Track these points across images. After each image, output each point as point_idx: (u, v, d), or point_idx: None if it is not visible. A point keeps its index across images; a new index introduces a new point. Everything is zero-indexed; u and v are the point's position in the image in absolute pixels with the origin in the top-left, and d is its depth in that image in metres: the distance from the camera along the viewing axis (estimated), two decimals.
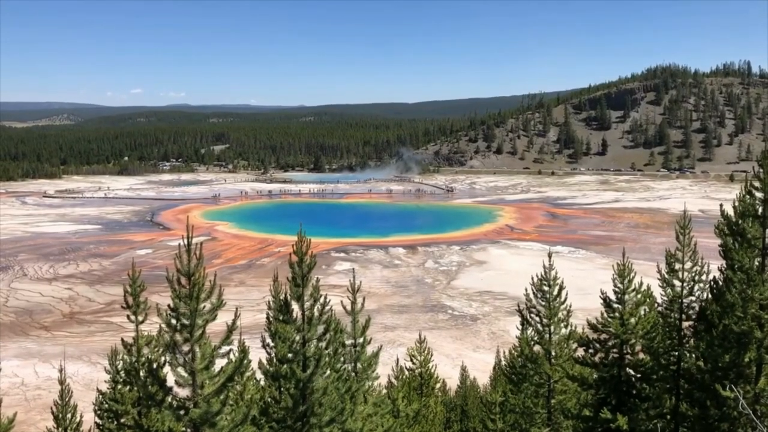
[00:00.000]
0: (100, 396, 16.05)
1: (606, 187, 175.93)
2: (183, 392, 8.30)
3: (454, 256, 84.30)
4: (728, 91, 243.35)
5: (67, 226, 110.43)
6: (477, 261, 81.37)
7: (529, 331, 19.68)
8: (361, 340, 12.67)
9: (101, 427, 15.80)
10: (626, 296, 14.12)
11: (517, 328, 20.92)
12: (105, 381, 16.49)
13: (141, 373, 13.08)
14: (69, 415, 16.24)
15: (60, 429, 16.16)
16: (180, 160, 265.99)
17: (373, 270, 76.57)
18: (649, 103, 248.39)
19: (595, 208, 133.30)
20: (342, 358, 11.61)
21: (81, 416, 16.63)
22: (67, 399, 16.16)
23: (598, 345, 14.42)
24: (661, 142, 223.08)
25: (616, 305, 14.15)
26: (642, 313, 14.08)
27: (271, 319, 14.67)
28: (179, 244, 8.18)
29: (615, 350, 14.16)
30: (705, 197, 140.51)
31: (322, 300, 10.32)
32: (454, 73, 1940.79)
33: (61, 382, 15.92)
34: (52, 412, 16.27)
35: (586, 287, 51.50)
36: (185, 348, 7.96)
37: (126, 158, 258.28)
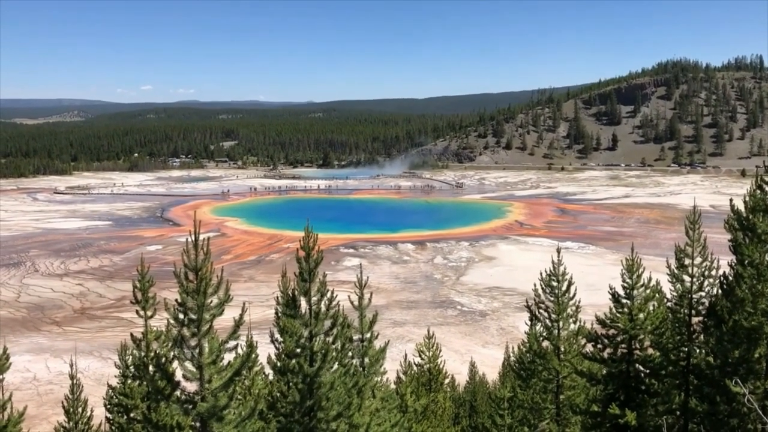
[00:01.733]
0: (110, 391, 16.17)
1: (616, 182, 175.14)
2: (191, 386, 8.35)
3: (463, 252, 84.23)
4: (740, 85, 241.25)
5: (78, 222, 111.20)
6: (486, 257, 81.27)
7: (538, 327, 19.62)
8: (368, 335, 12.69)
9: (111, 422, 15.92)
10: (635, 291, 14.06)
11: (526, 323, 20.87)
12: (115, 376, 16.61)
13: (150, 368, 13.16)
14: (80, 410, 16.35)
15: (71, 423, 16.28)
16: (190, 156, 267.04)
17: (382, 266, 76.64)
18: (659, 98, 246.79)
19: (605, 203, 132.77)
20: (350, 353, 11.64)
21: (92, 411, 16.75)
22: (78, 393, 16.27)
23: (606, 340, 14.37)
24: (671, 137, 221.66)
25: (624, 300, 14.09)
26: (651, 308, 14.01)
27: (279, 314, 14.74)
28: (187, 240, 8.23)
29: (623, 345, 14.10)
30: (716, 192, 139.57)
31: (329, 295, 10.35)
32: (463, 68, 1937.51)
33: (72, 376, 16.03)
34: (63, 407, 16.40)
35: (595, 283, 51.27)
36: (193, 342, 8.00)
37: (136, 154, 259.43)
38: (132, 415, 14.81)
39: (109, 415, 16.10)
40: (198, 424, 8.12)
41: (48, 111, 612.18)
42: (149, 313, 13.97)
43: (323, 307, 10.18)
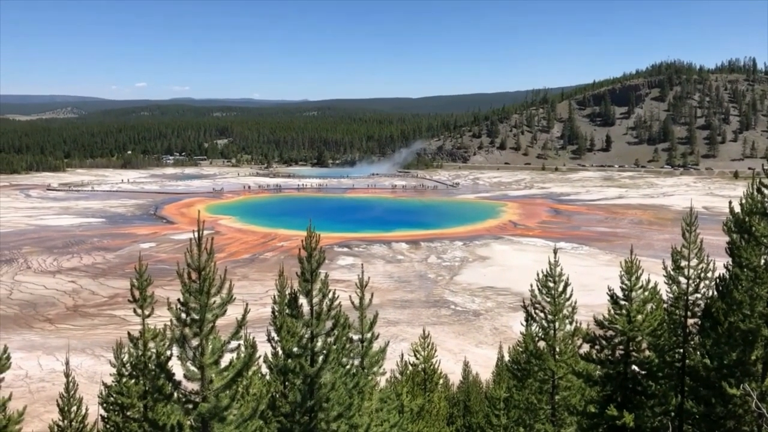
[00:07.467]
0: (106, 389, 16.11)
1: (609, 183, 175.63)
2: (191, 386, 8.32)
3: (457, 252, 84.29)
4: (733, 87, 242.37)
5: (71, 219, 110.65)
6: (480, 257, 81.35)
7: (534, 327, 19.66)
8: (368, 335, 12.67)
9: (107, 420, 15.85)
10: (633, 293, 14.09)
11: (521, 324, 20.92)
12: (110, 374, 16.52)
13: (150, 366, 13.12)
14: (75, 408, 16.28)
15: (66, 421, 16.21)
16: (183, 153, 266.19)
17: (376, 265, 76.58)
18: (653, 100, 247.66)
19: (598, 204, 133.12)
20: (350, 354, 11.63)
21: (86, 409, 16.67)
22: (73, 392, 16.21)
23: (604, 342, 14.40)
24: (665, 139, 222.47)
25: (623, 302, 14.12)
26: (649, 309, 14.05)
27: (276, 313, 14.71)
28: (190, 239, 8.20)
29: (621, 347, 14.14)
30: (709, 194, 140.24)
31: (330, 295, 10.33)
32: (458, 68, 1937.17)
33: (67, 374, 15.96)
34: (58, 405, 16.31)
35: (589, 284, 51.59)
36: (194, 342, 7.97)
37: (129, 152, 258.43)
38: (128, 413, 14.76)
39: (104, 414, 16.04)
40: (198, 425, 8.09)
41: (41, 107, 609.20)
42: (146, 312, 13.94)
43: (325, 308, 10.16)
